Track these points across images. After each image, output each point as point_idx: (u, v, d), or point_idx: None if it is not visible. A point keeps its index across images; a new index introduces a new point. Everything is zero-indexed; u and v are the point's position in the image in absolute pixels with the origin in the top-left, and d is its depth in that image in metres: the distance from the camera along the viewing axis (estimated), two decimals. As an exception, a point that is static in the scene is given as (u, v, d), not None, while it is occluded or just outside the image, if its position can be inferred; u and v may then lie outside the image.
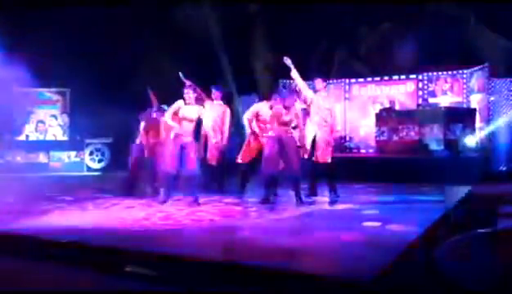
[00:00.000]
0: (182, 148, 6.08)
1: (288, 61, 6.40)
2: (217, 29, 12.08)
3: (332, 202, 6.35)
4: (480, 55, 11.24)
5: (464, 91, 11.74)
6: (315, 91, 6.59)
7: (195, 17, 11.89)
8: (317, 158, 6.42)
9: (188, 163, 6.07)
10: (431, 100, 12.10)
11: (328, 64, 12.57)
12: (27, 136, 12.57)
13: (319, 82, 6.58)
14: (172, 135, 6.14)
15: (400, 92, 12.64)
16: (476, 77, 11.34)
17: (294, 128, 7.69)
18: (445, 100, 11.90)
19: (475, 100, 11.25)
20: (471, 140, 10.04)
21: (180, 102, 6.15)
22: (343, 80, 13.03)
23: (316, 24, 12.16)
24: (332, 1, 12.08)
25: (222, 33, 12.10)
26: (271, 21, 12.71)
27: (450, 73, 12.00)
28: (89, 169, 12.14)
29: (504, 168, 10.21)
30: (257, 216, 5.54)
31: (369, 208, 5.75)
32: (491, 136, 10.50)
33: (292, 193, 6.20)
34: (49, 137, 12.74)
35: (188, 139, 6.15)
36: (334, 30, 12.49)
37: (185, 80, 6.62)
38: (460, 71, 11.84)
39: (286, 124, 6.13)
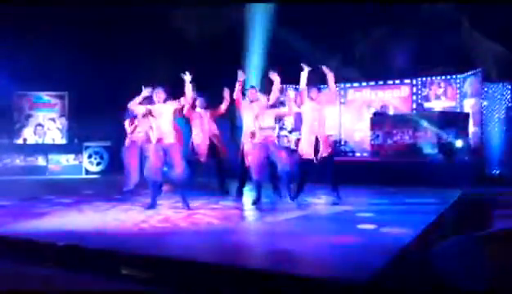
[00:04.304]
0: (165, 152, 5.94)
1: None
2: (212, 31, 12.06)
3: (333, 204, 6.39)
4: (473, 60, 11.35)
5: (458, 95, 11.85)
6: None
7: (194, 18, 11.91)
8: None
9: (174, 167, 5.97)
10: (425, 105, 12.24)
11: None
12: (25, 139, 12.59)
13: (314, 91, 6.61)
14: (153, 140, 6.01)
15: (394, 97, 12.78)
16: (469, 82, 11.46)
17: (291, 132, 7.76)
18: (439, 105, 12.03)
19: (468, 105, 11.35)
20: (464, 144, 10.16)
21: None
22: (338, 85, 13.12)
23: (313, 28, 12.23)
24: (328, 4, 12.16)
25: (216, 35, 12.07)
26: (265, 25, 12.74)
27: (443, 77, 12.13)
28: (88, 172, 12.09)
29: (497, 171, 10.34)
30: (254, 218, 5.62)
31: (364, 211, 5.75)
32: (484, 140, 10.62)
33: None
34: (48, 140, 12.76)
35: (169, 141, 5.97)
36: (330, 34, 12.55)
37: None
38: (454, 76, 11.98)
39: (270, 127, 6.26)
